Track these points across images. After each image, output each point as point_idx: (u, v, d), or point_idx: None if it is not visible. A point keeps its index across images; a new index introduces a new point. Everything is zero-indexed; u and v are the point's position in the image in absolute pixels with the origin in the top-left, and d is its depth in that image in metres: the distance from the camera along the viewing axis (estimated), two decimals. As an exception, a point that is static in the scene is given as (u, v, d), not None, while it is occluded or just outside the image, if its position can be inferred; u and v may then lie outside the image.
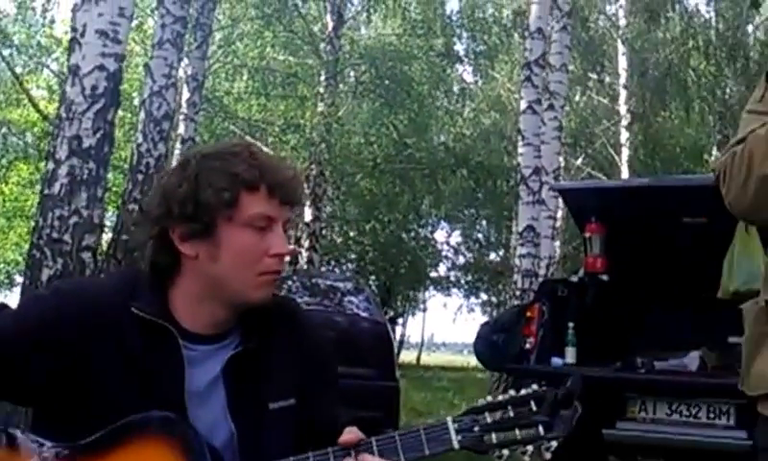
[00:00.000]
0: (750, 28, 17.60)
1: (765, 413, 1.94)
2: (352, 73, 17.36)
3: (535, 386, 1.49)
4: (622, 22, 16.98)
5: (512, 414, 1.50)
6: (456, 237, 27.66)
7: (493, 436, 1.50)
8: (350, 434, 1.53)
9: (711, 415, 4.90)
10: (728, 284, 5.02)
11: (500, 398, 1.50)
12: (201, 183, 1.59)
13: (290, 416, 1.68)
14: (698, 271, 5.02)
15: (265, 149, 3.30)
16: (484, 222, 25.73)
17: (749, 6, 13.34)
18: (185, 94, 11.63)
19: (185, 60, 10.73)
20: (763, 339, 1.95)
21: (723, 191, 1.94)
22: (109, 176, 9.04)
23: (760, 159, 1.84)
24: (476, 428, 1.50)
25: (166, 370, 1.59)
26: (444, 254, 27.60)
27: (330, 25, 15.33)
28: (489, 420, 1.50)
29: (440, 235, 28.09)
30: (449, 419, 1.52)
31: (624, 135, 16.78)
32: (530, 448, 1.50)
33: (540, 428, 1.49)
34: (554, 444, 1.49)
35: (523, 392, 1.50)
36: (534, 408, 1.48)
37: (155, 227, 1.63)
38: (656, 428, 4.98)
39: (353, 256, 23.10)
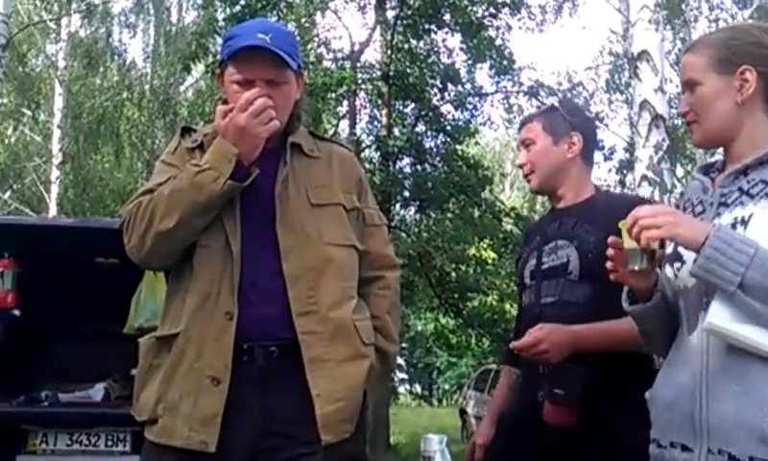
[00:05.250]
0: (182, 88, 18.81)
1: (148, 437, 2.21)
2: None
3: None
4: (61, 64, 16.92)
5: None
6: None
7: None
8: None
9: (110, 442, 5.12)
10: (133, 320, 5.41)
11: None
12: None
13: None
14: (109, 308, 5.34)
15: None
16: None
17: (182, 68, 14.37)
18: None
19: None
20: (152, 371, 2.21)
21: (126, 238, 2.17)
22: None
23: (160, 216, 2.10)
24: None
25: None
26: None
27: None
28: None
29: None
30: None
31: (55, 174, 16.65)
32: None
33: None
34: None
35: None
36: None
37: None
38: (54, 460, 5.08)
39: None
